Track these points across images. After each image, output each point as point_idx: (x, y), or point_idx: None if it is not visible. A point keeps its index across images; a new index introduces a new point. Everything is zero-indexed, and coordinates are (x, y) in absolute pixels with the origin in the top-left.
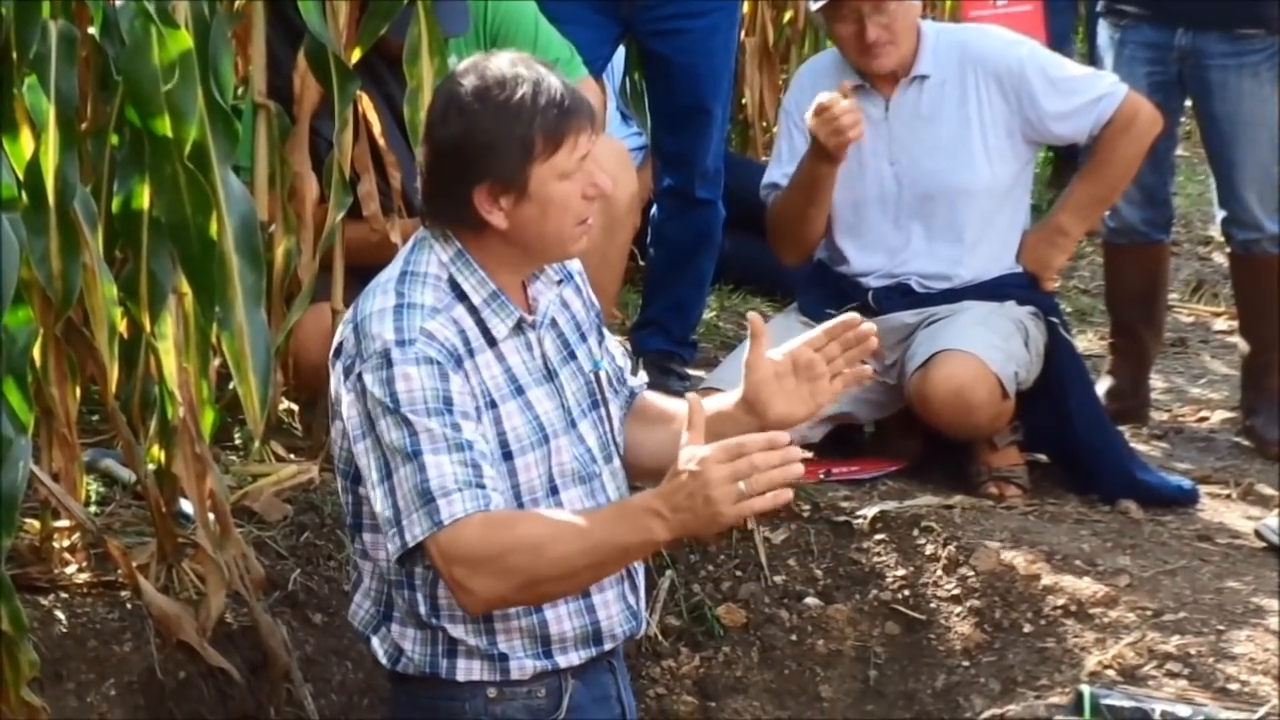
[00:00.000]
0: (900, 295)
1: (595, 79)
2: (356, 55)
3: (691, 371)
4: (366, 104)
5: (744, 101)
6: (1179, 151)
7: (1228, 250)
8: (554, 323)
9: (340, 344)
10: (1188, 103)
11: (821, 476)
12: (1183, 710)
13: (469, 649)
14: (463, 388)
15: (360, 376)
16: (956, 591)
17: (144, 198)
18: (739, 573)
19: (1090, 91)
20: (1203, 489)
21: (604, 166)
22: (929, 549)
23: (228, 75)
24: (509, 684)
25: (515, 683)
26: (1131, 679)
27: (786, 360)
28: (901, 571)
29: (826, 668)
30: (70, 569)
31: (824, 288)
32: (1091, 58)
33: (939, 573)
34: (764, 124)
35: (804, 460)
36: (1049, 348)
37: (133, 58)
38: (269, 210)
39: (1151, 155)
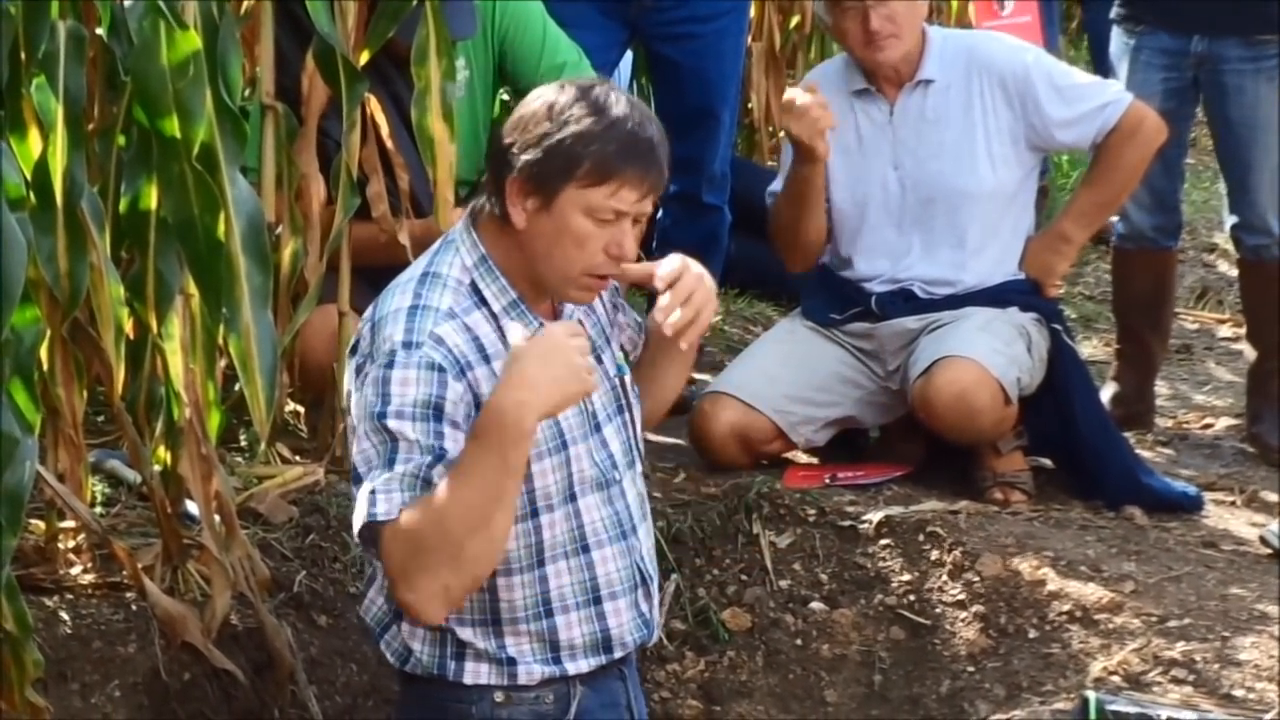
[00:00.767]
0: (903, 300)
1: None
2: (365, 57)
3: (697, 375)
4: (374, 105)
5: (750, 106)
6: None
7: (1236, 256)
8: (580, 326)
9: (357, 340)
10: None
11: (826, 481)
12: (1188, 716)
13: (478, 652)
14: (462, 395)
15: (367, 375)
16: (961, 596)
17: (151, 198)
18: (744, 577)
19: (1095, 99)
20: (1207, 495)
21: None
22: (934, 554)
23: (236, 76)
24: (517, 689)
25: (523, 688)
26: (1136, 685)
27: None
28: (906, 576)
29: (831, 672)
30: (75, 570)
31: (828, 292)
32: (1098, 65)
33: (944, 578)
34: (770, 129)
35: (808, 465)
36: (1052, 353)
37: (141, 58)
38: (276, 211)
39: (1163, 161)
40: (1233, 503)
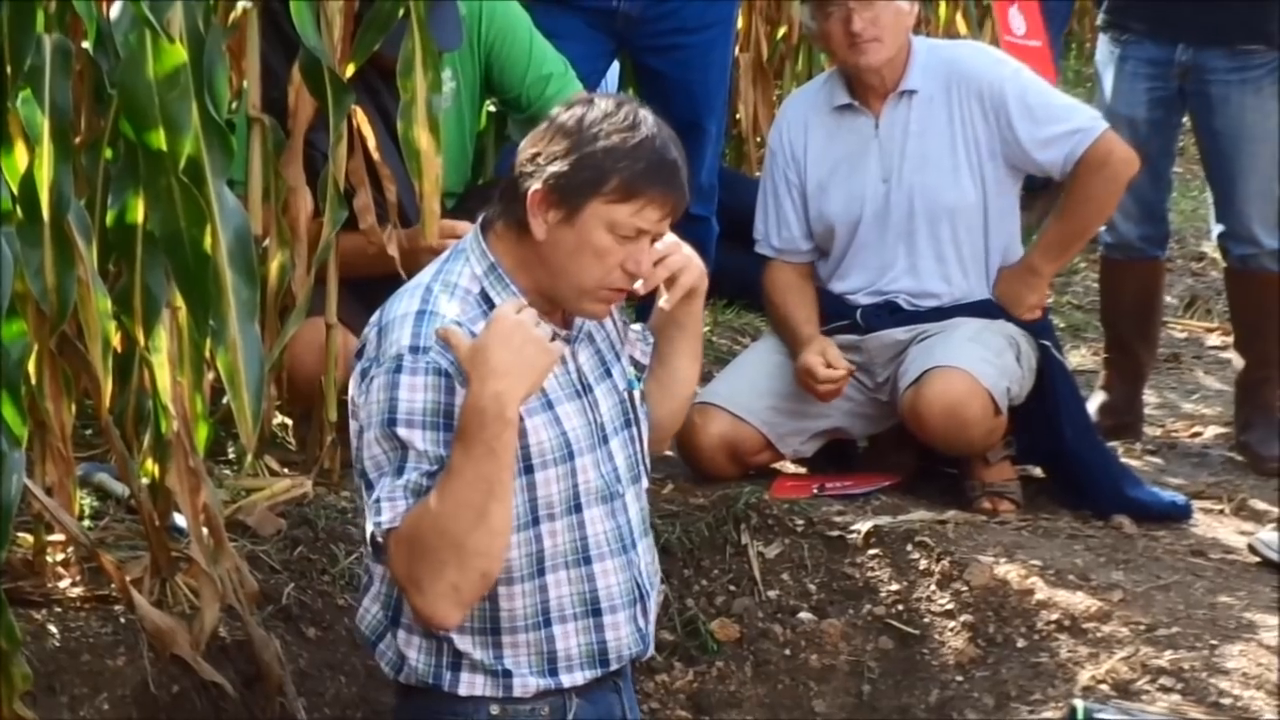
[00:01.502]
0: (888, 313)
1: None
2: (351, 69)
3: None
4: (361, 118)
5: (738, 117)
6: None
7: (1224, 265)
8: (591, 338)
9: (363, 345)
10: (1184, 119)
11: (815, 491)
12: None
13: (474, 663)
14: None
15: (373, 380)
16: (950, 606)
17: (138, 211)
18: (732, 587)
19: (1066, 123)
20: (1196, 504)
21: None
22: (923, 564)
23: (222, 89)
24: (512, 700)
25: (518, 700)
26: (1125, 693)
27: None
28: (895, 586)
29: (820, 682)
30: (64, 583)
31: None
32: None
33: (932, 587)
34: (758, 139)
35: (796, 475)
36: (1040, 364)
37: (127, 71)
38: (263, 224)
39: (1150, 171)
40: (1221, 511)
